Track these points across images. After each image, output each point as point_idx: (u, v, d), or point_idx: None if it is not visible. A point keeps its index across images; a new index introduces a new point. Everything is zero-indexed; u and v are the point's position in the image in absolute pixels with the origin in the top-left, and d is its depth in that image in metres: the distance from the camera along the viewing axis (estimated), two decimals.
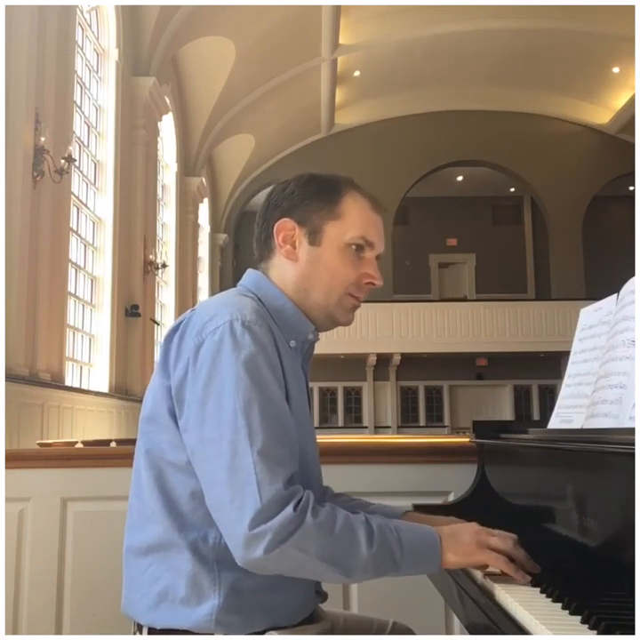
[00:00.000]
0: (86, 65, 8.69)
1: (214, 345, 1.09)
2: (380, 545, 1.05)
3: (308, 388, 1.30)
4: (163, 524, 1.13)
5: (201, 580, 1.10)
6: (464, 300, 16.37)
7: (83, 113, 8.52)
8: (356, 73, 14.20)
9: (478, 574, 1.15)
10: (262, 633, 1.13)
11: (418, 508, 1.52)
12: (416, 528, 1.11)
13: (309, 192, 1.24)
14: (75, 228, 8.08)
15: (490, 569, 1.12)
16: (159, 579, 1.13)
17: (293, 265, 1.23)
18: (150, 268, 10.22)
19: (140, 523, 1.17)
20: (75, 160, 7.08)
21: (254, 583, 1.12)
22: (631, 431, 0.98)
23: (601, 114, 15.50)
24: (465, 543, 1.09)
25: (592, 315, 1.46)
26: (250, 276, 1.28)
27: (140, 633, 1.17)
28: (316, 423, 15.11)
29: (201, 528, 1.11)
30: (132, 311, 9.39)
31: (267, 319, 1.17)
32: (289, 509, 1.01)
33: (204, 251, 15.53)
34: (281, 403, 1.11)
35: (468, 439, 1.80)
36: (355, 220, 1.23)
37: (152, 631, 1.14)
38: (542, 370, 14.93)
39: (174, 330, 1.17)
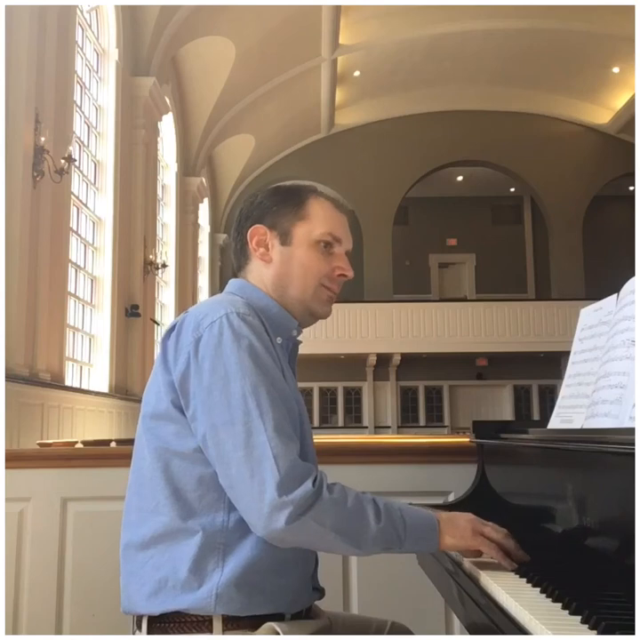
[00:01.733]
0: (86, 65, 8.69)
1: (214, 337, 1.16)
2: (387, 520, 1.13)
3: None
4: (169, 514, 1.16)
5: (205, 563, 1.14)
6: (464, 300, 16.36)
7: (83, 113, 8.52)
8: (356, 73, 14.20)
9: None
10: (263, 621, 1.15)
11: None
12: (417, 510, 1.20)
13: (276, 200, 1.35)
14: (75, 228, 8.08)
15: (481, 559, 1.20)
16: (160, 568, 1.16)
17: (268, 266, 1.33)
18: (150, 268, 10.21)
19: (141, 518, 1.19)
20: (75, 160, 7.08)
21: (256, 567, 1.15)
22: (631, 431, 0.98)
23: (601, 114, 15.50)
24: (461, 528, 1.18)
25: (592, 315, 1.46)
26: (233, 283, 1.38)
27: (139, 629, 1.18)
28: (316, 423, 15.11)
29: (208, 514, 1.16)
30: (131, 311, 9.39)
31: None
32: (308, 484, 1.08)
33: (204, 251, 15.52)
34: (282, 385, 1.19)
35: (467, 439, 1.80)
36: (320, 219, 1.33)
37: (152, 620, 1.15)
38: (542, 370, 14.92)
39: (170, 330, 1.24)
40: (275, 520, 1.06)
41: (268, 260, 1.32)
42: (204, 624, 1.13)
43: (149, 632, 1.16)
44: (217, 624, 1.13)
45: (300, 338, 1.37)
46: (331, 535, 1.10)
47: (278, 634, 1.14)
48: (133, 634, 1.21)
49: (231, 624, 1.13)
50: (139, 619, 1.18)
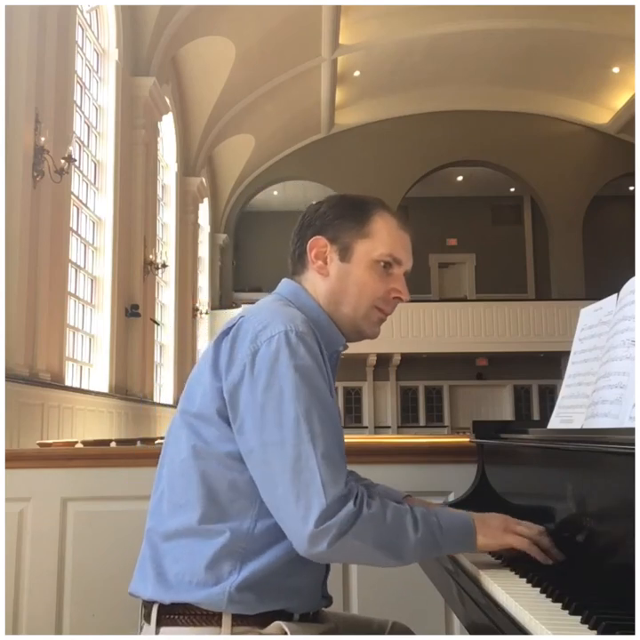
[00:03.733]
0: (86, 65, 8.69)
1: (272, 354, 1.15)
2: (425, 529, 1.14)
3: None
4: (198, 512, 1.17)
5: (222, 564, 1.15)
6: (464, 300, 16.37)
7: (83, 113, 8.52)
8: (356, 73, 14.20)
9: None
10: (271, 618, 1.16)
11: None
12: (452, 513, 1.21)
13: (340, 212, 1.32)
14: (75, 228, 8.08)
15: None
16: (179, 561, 1.17)
17: (324, 279, 1.31)
18: (150, 268, 10.22)
19: (171, 511, 1.20)
20: (75, 160, 7.08)
21: (271, 571, 1.16)
22: (631, 431, 0.98)
23: (601, 114, 15.50)
24: (494, 527, 1.19)
25: (592, 315, 1.46)
26: (287, 285, 1.34)
27: (147, 620, 1.18)
28: None
29: (237, 518, 1.16)
30: (131, 311, 9.39)
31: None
32: (350, 505, 1.09)
33: (204, 251, 15.53)
34: (332, 408, 1.18)
35: (467, 439, 1.80)
36: (383, 239, 1.30)
37: (161, 610, 1.17)
38: (542, 370, 14.92)
39: (224, 333, 1.22)
40: (317, 544, 1.07)
41: (325, 274, 1.30)
42: (213, 618, 1.14)
43: (159, 621, 1.17)
44: (226, 620, 1.14)
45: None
46: (372, 550, 1.11)
47: (286, 633, 1.15)
48: (140, 628, 1.21)
49: (240, 620, 1.15)
50: (148, 608, 1.19)
